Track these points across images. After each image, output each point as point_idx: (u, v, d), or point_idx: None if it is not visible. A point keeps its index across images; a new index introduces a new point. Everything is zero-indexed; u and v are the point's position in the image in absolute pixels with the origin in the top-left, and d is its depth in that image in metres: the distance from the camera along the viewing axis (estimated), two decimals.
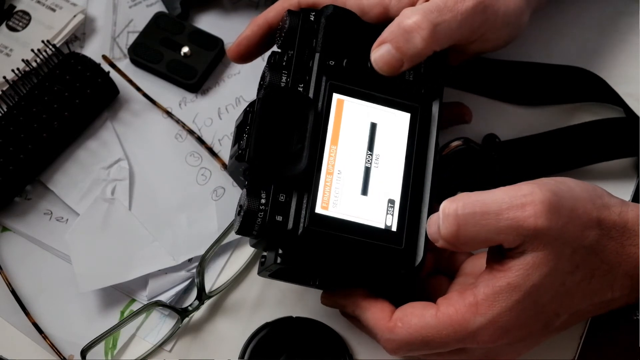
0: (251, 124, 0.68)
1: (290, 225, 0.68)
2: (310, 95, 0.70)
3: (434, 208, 0.71)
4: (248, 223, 0.67)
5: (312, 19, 0.73)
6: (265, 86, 0.70)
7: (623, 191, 0.81)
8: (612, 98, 0.84)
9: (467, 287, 0.68)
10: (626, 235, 0.68)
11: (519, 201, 0.65)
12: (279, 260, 0.68)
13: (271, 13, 0.77)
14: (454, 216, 0.65)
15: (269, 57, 0.73)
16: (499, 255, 0.67)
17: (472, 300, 0.67)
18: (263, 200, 0.68)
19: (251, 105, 0.70)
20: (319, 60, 0.71)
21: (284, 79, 0.71)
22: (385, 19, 0.72)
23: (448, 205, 0.66)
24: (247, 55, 0.78)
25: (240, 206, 0.69)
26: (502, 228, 0.65)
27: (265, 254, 0.71)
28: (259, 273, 0.73)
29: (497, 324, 0.66)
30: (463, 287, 0.69)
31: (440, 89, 0.74)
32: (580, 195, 0.67)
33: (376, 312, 0.70)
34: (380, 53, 0.71)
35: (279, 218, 0.68)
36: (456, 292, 0.68)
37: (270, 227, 0.67)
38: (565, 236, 0.65)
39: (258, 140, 0.67)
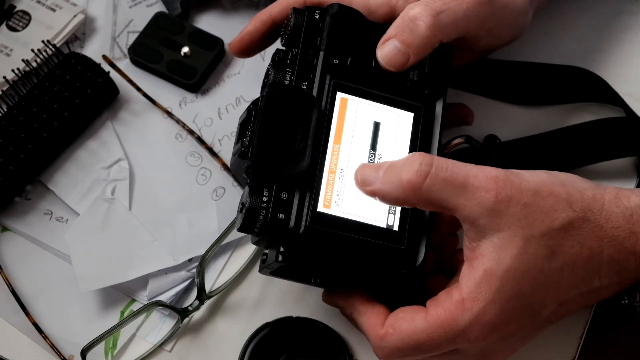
0: (254, 122, 0.68)
1: (292, 223, 0.68)
2: (314, 93, 0.70)
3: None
4: (250, 220, 0.67)
5: (317, 17, 0.73)
6: (269, 84, 0.70)
7: None
8: (612, 98, 0.84)
9: (453, 285, 0.68)
10: (604, 216, 0.67)
11: (484, 175, 0.66)
12: (280, 258, 0.69)
13: (276, 9, 0.77)
14: (429, 164, 0.65)
15: (273, 54, 0.73)
16: (470, 245, 0.67)
17: (458, 297, 0.66)
18: (265, 198, 0.68)
19: (255, 102, 0.70)
20: (323, 59, 0.71)
21: (288, 76, 0.71)
22: (392, 19, 0.73)
23: (422, 155, 0.66)
24: (249, 50, 0.79)
25: (242, 203, 0.69)
26: (465, 191, 0.65)
27: (266, 251, 0.71)
28: (260, 270, 0.73)
29: (484, 318, 0.66)
30: (450, 286, 0.68)
31: (444, 89, 0.74)
32: (546, 180, 0.67)
33: (371, 318, 0.70)
34: (388, 49, 0.71)
35: (281, 216, 0.68)
36: (443, 292, 0.68)
37: (272, 225, 0.67)
38: (529, 217, 0.65)
39: (261, 138, 0.68)
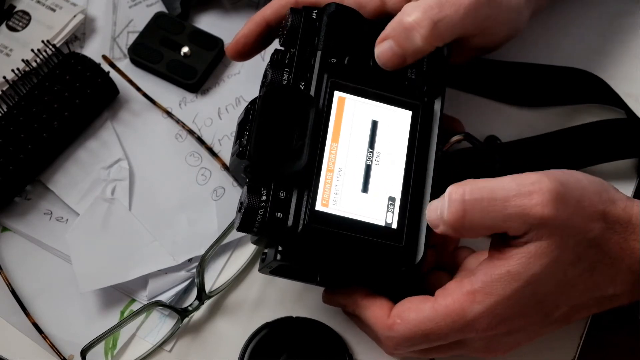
0: (252, 122, 0.68)
1: (290, 222, 0.68)
2: (312, 92, 0.71)
3: None
4: (248, 220, 0.68)
5: (314, 16, 0.73)
6: (267, 84, 0.71)
7: (623, 192, 0.81)
8: (613, 99, 0.84)
9: (464, 276, 0.68)
10: (630, 230, 0.68)
11: (526, 189, 0.65)
12: (279, 257, 0.69)
13: (268, 11, 0.77)
14: (461, 201, 0.65)
15: (272, 54, 0.73)
16: (501, 243, 0.67)
17: (470, 288, 0.67)
18: (264, 198, 0.68)
19: (253, 102, 0.70)
20: (320, 58, 0.71)
21: (285, 76, 0.71)
22: (383, 13, 0.73)
23: (455, 190, 0.66)
24: (245, 53, 0.79)
25: (241, 203, 0.69)
26: (509, 215, 0.65)
27: (266, 250, 0.71)
28: (259, 270, 0.73)
29: (494, 311, 0.66)
30: (461, 277, 0.68)
31: (443, 87, 0.74)
32: (587, 187, 0.67)
33: (375, 311, 0.71)
34: (383, 49, 0.71)
35: (279, 215, 0.68)
36: (453, 282, 0.68)
37: (271, 224, 0.68)
38: (570, 227, 0.65)
39: (259, 138, 0.68)
